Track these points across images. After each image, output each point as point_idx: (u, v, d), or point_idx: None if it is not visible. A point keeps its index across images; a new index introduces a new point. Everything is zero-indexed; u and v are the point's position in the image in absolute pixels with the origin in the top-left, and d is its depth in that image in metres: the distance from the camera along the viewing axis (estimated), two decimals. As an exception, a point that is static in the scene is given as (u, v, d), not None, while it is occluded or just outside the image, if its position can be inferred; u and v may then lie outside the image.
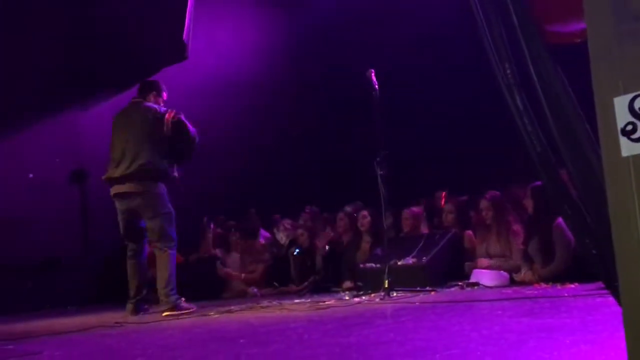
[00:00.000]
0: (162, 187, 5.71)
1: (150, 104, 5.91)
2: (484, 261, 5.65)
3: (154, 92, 6.05)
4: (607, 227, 1.28)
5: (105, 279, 8.39)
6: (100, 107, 9.06)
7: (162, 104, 6.02)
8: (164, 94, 6.12)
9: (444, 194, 7.23)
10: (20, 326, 5.38)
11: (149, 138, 5.69)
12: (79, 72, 8.87)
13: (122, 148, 5.71)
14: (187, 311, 5.43)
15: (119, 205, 5.76)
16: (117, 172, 5.67)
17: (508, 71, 1.51)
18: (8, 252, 8.06)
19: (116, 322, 4.84)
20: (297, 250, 7.31)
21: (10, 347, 3.85)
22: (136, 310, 5.63)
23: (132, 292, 5.71)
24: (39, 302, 7.99)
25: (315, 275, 7.06)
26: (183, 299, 5.64)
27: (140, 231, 5.77)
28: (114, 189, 5.71)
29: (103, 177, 5.84)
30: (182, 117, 5.84)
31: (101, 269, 8.55)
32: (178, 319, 4.95)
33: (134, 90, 8.15)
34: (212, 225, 8.55)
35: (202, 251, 8.42)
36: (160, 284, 5.57)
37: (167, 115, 5.76)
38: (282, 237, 8.00)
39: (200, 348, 3.10)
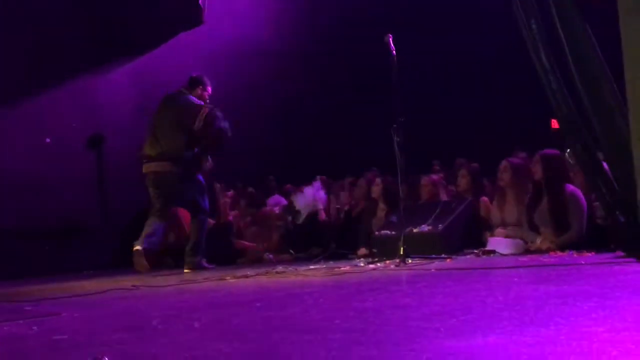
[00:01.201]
0: (180, 170, 6.32)
1: (193, 97, 6.55)
2: (501, 231, 5.60)
3: (201, 87, 6.69)
4: (633, 190, 1.25)
5: (122, 244, 8.46)
6: (117, 72, 9.06)
7: (207, 98, 6.66)
8: (209, 88, 6.73)
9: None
10: (37, 288, 5.44)
11: (177, 127, 6.35)
12: (96, 37, 8.85)
13: (154, 130, 6.44)
14: (207, 269, 6.30)
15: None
16: (146, 150, 6.45)
17: (534, 27, 1.47)
18: (26, 217, 8.15)
19: (133, 285, 4.88)
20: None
21: (29, 308, 3.89)
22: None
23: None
24: (57, 267, 8.08)
25: (330, 243, 7.08)
26: (204, 259, 6.47)
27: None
28: (144, 167, 6.47)
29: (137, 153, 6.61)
30: (218, 114, 6.46)
31: (118, 233, 8.62)
32: (195, 282, 4.99)
33: (150, 55, 8.24)
34: (230, 193, 8.59)
35: (217, 217, 8.46)
36: (188, 246, 6.53)
37: (203, 110, 6.40)
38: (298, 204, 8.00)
39: (217, 311, 3.12)
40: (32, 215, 8.21)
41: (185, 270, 6.31)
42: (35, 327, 2.86)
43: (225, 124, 6.49)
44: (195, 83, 6.69)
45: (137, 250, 6.06)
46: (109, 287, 4.90)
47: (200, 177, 6.55)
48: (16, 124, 8.33)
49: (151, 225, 6.29)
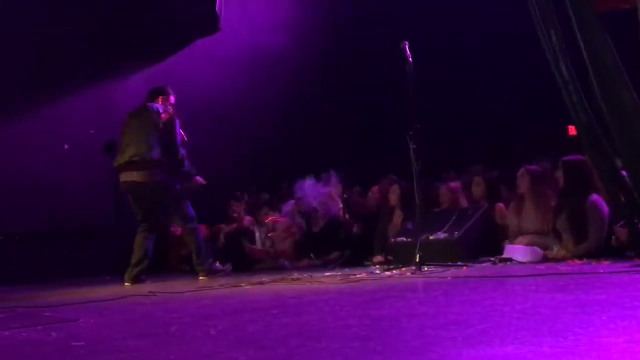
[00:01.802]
0: (160, 176, 6.22)
1: (155, 105, 6.44)
2: (523, 239, 5.52)
3: (162, 97, 6.57)
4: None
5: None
6: (134, 79, 9.13)
7: (169, 107, 6.54)
8: (172, 98, 6.62)
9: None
10: (55, 293, 5.48)
11: (144, 133, 6.25)
12: (113, 44, 8.93)
13: (127, 139, 6.36)
14: (220, 272, 6.39)
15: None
16: (118, 160, 6.38)
17: (553, 37, 1.47)
18: (44, 221, 8.23)
19: (150, 292, 4.91)
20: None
21: (47, 313, 3.92)
22: (134, 280, 6.21)
23: (132, 261, 6.34)
24: (73, 270, 8.14)
25: (346, 248, 7.07)
26: (217, 263, 6.56)
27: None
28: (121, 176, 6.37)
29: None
30: (177, 122, 6.36)
31: (133, 237, 8.66)
32: (211, 289, 5.00)
33: (167, 62, 8.25)
34: (245, 196, 8.61)
35: (233, 223, 8.48)
36: (193, 257, 6.46)
37: (162, 115, 6.33)
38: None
39: (233, 318, 3.13)
40: (51, 218, 8.30)
41: (200, 278, 6.34)
42: (53, 333, 2.88)
43: (179, 134, 6.40)
44: (155, 94, 6.60)
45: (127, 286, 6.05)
46: (126, 293, 4.92)
47: (176, 185, 6.41)
48: (36, 131, 8.42)
49: (141, 246, 6.31)
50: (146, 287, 5.42)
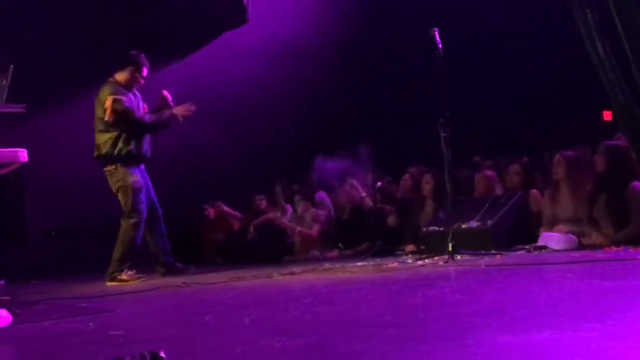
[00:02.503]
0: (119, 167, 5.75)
1: (113, 85, 5.78)
2: (562, 227, 5.41)
3: (132, 67, 5.85)
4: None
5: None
6: (161, 73, 9.18)
7: (140, 80, 5.90)
8: (144, 70, 5.90)
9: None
10: (91, 286, 5.57)
11: (98, 123, 5.78)
12: (140, 38, 8.98)
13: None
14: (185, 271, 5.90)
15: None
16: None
17: (589, 16, 1.44)
18: (76, 217, 8.35)
19: (183, 283, 4.96)
20: None
21: (84, 305, 3.99)
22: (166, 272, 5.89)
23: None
24: (102, 266, 8.24)
25: (376, 238, 7.04)
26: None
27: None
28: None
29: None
30: (126, 104, 5.69)
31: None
32: (244, 279, 5.02)
33: (195, 56, 8.16)
34: (281, 184, 8.63)
35: (259, 215, 8.49)
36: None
37: (107, 102, 5.67)
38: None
39: (266, 307, 3.15)
40: (82, 215, 8.41)
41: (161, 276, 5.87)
42: (90, 324, 2.92)
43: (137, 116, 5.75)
44: (124, 63, 5.84)
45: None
46: (161, 285, 4.98)
47: (135, 174, 5.81)
48: (65, 128, 8.51)
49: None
50: (179, 279, 5.43)
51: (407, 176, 7.17)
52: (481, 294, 2.88)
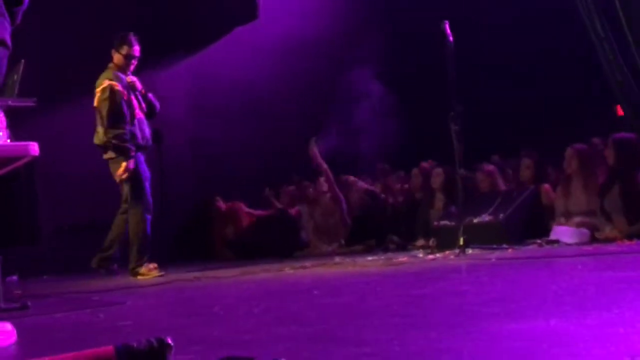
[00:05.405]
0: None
1: (110, 70, 5.75)
2: (575, 220, 5.37)
3: (125, 46, 5.71)
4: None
5: (181, 237, 8.66)
6: (173, 68, 9.22)
7: (133, 60, 5.77)
8: (135, 49, 5.74)
9: None
10: (102, 280, 5.60)
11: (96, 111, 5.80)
12: (152, 34, 9.02)
13: None
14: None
15: None
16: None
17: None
18: (92, 212, 8.39)
19: (194, 277, 4.98)
20: None
21: (95, 298, 4.02)
22: (101, 266, 5.89)
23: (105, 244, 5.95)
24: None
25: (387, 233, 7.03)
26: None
27: None
28: None
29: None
30: (119, 87, 5.63)
31: (176, 227, 8.77)
32: (254, 274, 5.04)
33: (207, 51, 8.14)
34: (291, 187, 8.65)
35: (274, 208, 8.51)
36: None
37: (97, 90, 5.68)
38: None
39: (275, 298, 3.16)
40: (97, 210, 8.44)
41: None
42: (101, 315, 2.95)
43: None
44: (115, 44, 5.74)
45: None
46: (171, 279, 5.01)
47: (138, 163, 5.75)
48: (81, 123, 8.55)
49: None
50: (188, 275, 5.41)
51: (416, 171, 7.15)
52: (490, 285, 2.88)
